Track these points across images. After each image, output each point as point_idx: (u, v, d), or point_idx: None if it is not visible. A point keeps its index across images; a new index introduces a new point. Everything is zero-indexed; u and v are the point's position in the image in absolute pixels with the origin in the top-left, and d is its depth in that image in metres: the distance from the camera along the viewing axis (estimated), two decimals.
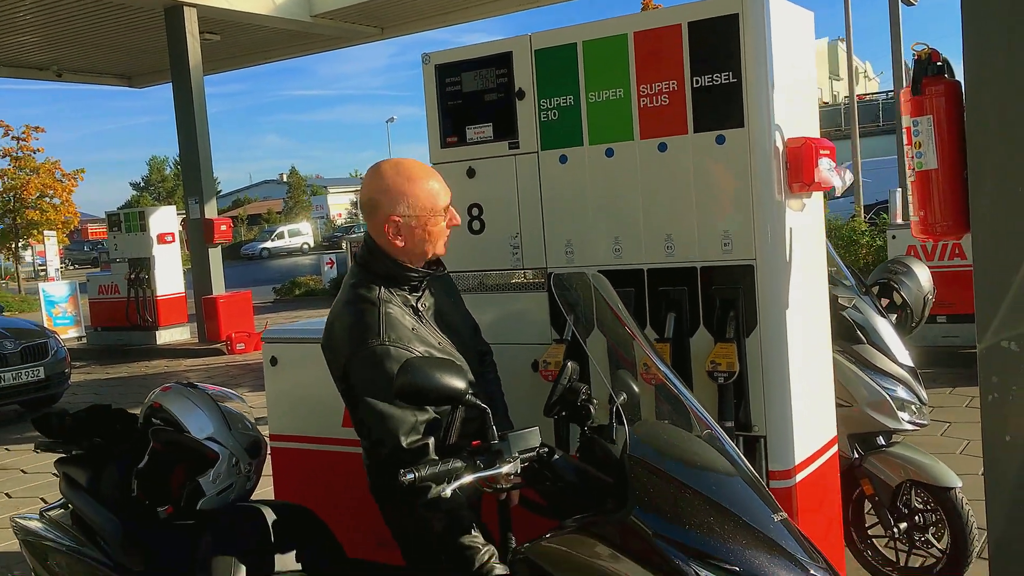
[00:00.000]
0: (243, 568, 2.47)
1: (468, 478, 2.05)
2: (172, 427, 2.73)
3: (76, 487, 2.75)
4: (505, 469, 2.08)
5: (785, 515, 2.05)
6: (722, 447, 2.18)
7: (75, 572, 2.65)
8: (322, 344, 2.65)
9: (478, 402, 2.15)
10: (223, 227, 15.61)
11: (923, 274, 4.75)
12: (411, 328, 2.53)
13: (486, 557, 2.28)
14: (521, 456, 2.11)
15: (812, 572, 1.94)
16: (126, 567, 2.54)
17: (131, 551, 2.54)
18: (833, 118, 39.70)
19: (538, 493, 2.47)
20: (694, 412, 2.31)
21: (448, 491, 2.01)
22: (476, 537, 2.31)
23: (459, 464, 2.07)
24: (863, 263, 12.81)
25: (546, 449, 2.18)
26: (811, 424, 3.29)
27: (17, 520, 2.92)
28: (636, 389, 2.52)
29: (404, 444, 2.36)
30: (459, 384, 2.14)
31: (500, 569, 2.25)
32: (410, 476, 2.02)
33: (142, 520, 2.64)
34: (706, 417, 2.30)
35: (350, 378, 2.52)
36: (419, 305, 2.64)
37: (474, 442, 2.17)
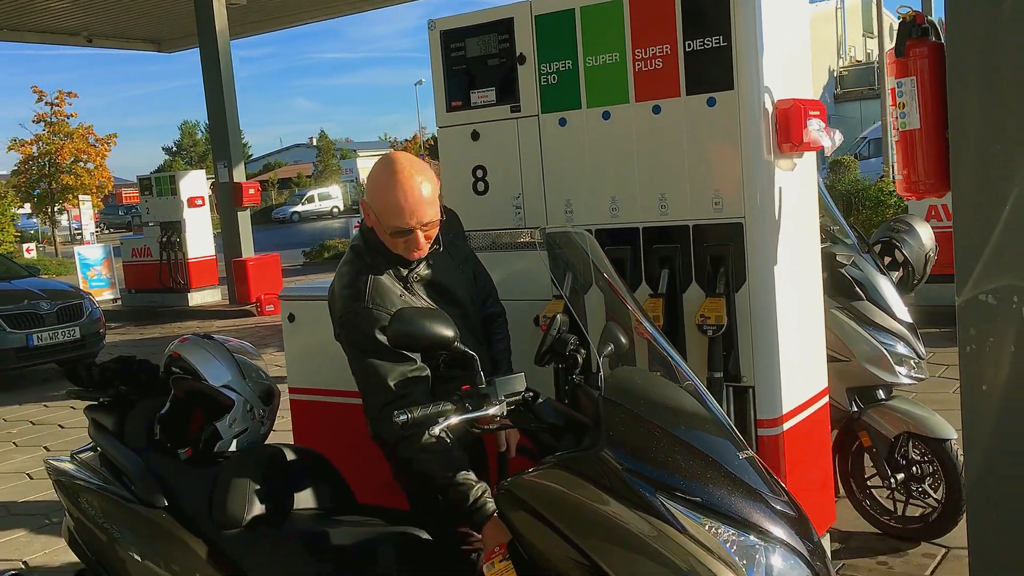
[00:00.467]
0: (257, 503, 2.66)
1: (456, 419, 2.22)
2: (191, 376, 2.92)
3: (103, 431, 2.95)
4: (492, 411, 2.24)
5: (751, 453, 2.20)
6: (696, 392, 2.32)
7: (104, 508, 2.86)
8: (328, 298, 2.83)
9: (466, 349, 2.30)
10: (251, 191, 15.85)
11: (925, 232, 4.82)
12: (399, 295, 2.67)
13: (479, 492, 2.44)
14: (507, 399, 2.27)
15: (773, 504, 2.10)
16: (150, 503, 2.74)
17: (154, 488, 2.74)
18: (867, 76, 39.11)
19: (528, 439, 2.64)
20: (674, 363, 2.44)
21: (437, 430, 2.18)
22: (469, 475, 2.48)
23: (449, 406, 2.24)
24: None
25: (531, 393, 2.34)
26: (799, 375, 3.42)
27: (50, 462, 3.14)
28: (624, 341, 2.65)
29: (392, 390, 2.53)
30: (448, 332, 2.30)
31: (492, 504, 2.42)
32: (403, 417, 2.19)
33: (164, 461, 2.84)
34: (683, 367, 2.43)
35: (341, 334, 2.70)
36: (411, 276, 2.76)
37: (464, 387, 2.34)
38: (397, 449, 2.55)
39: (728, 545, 1.99)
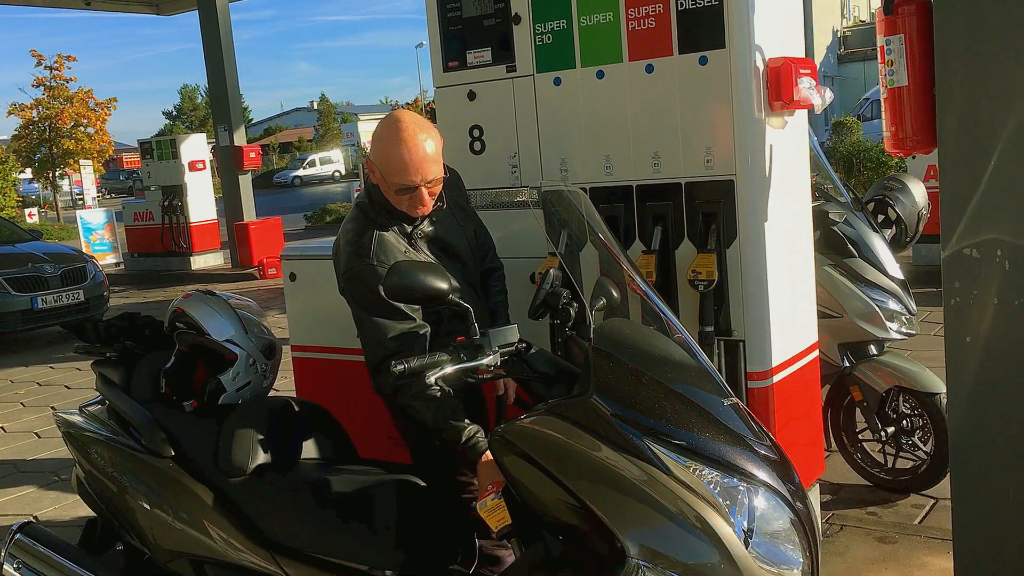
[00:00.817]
0: (260, 452, 2.75)
1: (452, 368, 2.30)
2: (194, 330, 3.00)
3: (111, 385, 3.04)
4: (486, 361, 2.33)
5: (736, 400, 2.27)
6: (684, 344, 2.40)
7: (113, 459, 2.94)
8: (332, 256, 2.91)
9: (460, 301, 2.38)
10: (252, 154, 15.88)
11: (918, 190, 4.88)
12: (403, 252, 2.74)
13: (472, 432, 2.54)
14: (501, 350, 2.36)
15: (756, 449, 2.18)
16: (157, 453, 2.83)
17: (161, 439, 2.82)
18: (871, 36, 38.77)
19: (522, 389, 2.72)
20: (664, 317, 2.51)
21: (432, 378, 2.26)
22: (462, 421, 2.57)
23: (445, 356, 2.33)
24: None
25: (524, 344, 2.43)
26: (789, 329, 3.49)
27: (59, 414, 3.22)
28: (616, 295, 2.72)
29: (392, 345, 2.62)
30: (442, 285, 2.38)
31: (485, 443, 2.51)
32: (400, 367, 2.28)
33: (170, 413, 2.93)
34: (673, 321, 2.50)
35: (346, 289, 2.78)
36: (415, 233, 2.83)
37: (459, 338, 2.42)
38: (395, 398, 2.63)
39: (712, 487, 2.07)
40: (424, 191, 2.70)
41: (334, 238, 2.95)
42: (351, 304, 2.79)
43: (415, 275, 2.37)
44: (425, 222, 2.85)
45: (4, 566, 3.02)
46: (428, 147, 2.67)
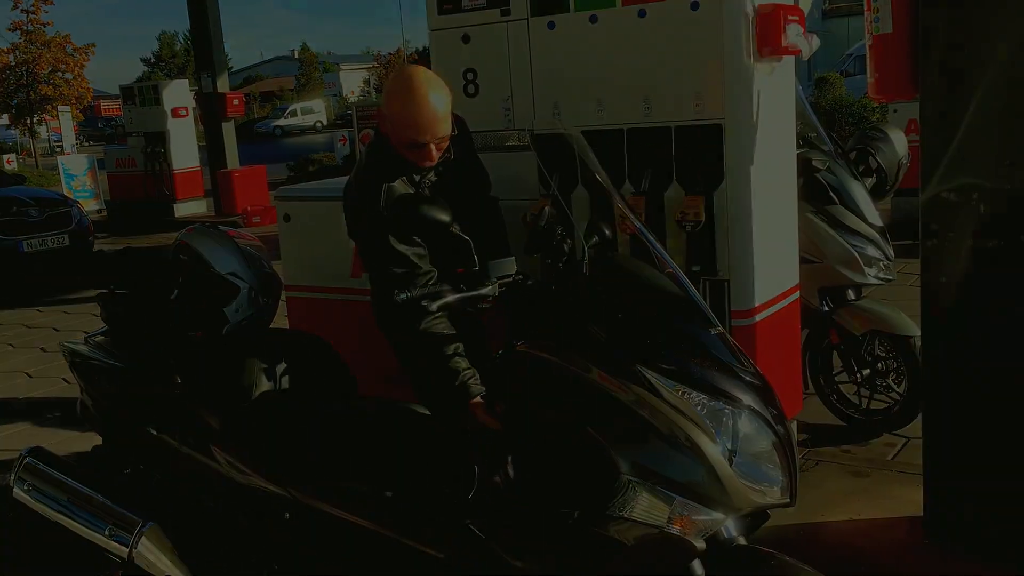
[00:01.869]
0: (264, 380, 2.85)
1: (452, 297, 2.41)
2: (198, 263, 3.08)
3: (116, 315, 3.11)
4: (485, 291, 2.44)
5: (721, 330, 2.39)
6: (674, 277, 2.51)
7: (119, 386, 3.02)
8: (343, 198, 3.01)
9: (460, 234, 2.48)
10: (235, 101, 15.74)
11: (899, 139, 4.98)
12: None
13: (466, 376, 2.66)
14: (499, 281, 2.46)
15: (741, 375, 2.30)
16: (164, 380, 2.90)
17: (168, 367, 2.90)
18: None
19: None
20: (655, 253, 2.62)
21: (434, 306, 2.37)
22: (460, 360, 2.69)
23: (446, 287, 2.43)
24: None
25: (521, 275, 2.53)
26: (772, 271, 3.62)
27: (65, 344, 3.30)
28: (608, 233, 2.82)
29: (397, 282, 2.71)
30: (443, 217, 2.48)
31: (476, 388, 2.64)
32: (403, 296, 2.39)
33: (175, 343, 3.01)
34: (664, 256, 2.61)
35: (358, 235, 2.92)
36: (422, 181, 2.94)
37: (459, 269, 2.52)
38: (403, 333, 2.74)
39: (699, 409, 2.19)
40: (432, 147, 2.81)
41: (326, 181, 3.03)
42: (362, 249, 2.92)
43: (418, 207, 2.47)
44: (432, 172, 2.96)
45: (14, 489, 3.11)
46: (439, 107, 2.75)
